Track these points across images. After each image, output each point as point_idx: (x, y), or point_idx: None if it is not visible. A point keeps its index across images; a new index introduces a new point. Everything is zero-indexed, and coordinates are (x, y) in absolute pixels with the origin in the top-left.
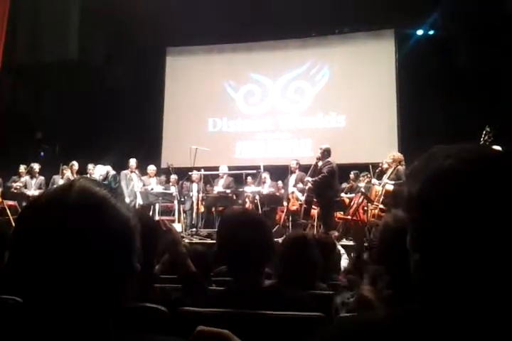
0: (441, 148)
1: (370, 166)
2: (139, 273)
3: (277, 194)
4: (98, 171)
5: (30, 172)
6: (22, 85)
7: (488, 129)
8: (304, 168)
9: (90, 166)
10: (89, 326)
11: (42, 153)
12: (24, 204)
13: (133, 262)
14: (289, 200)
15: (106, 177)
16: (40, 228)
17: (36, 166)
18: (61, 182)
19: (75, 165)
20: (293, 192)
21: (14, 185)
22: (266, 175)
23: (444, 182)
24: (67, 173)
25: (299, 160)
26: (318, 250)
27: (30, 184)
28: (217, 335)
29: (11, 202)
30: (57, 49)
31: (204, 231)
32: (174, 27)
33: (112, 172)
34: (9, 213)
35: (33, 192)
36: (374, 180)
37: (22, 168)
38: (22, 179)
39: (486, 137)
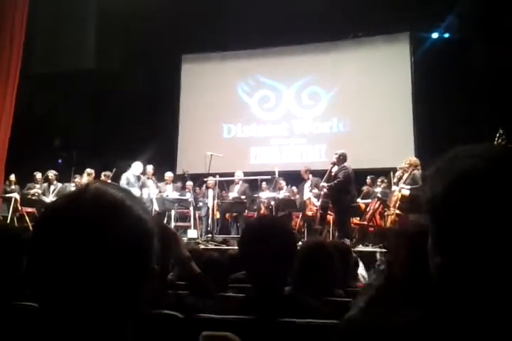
0: (464, 149)
1: (392, 172)
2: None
3: (292, 198)
4: (136, 167)
5: (47, 180)
6: (40, 93)
7: (501, 131)
8: (319, 174)
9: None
10: (108, 331)
11: (60, 161)
12: (42, 210)
13: (150, 264)
14: (306, 206)
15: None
16: (56, 231)
17: (51, 173)
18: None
19: (92, 172)
20: (309, 198)
21: (31, 191)
22: (282, 181)
23: (469, 182)
24: (82, 181)
25: (310, 166)
26: (335, 256)
27: (48, 191)
28: (223, 339)
29: (29, 209)
30: (74, 57)
31: (219, 237)
32: (190, 34)
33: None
34: (28, 220)
35: (51, 198)
36: (394, 187)
37: (38, 175)
38: (38, 186)
39: (500, 140)
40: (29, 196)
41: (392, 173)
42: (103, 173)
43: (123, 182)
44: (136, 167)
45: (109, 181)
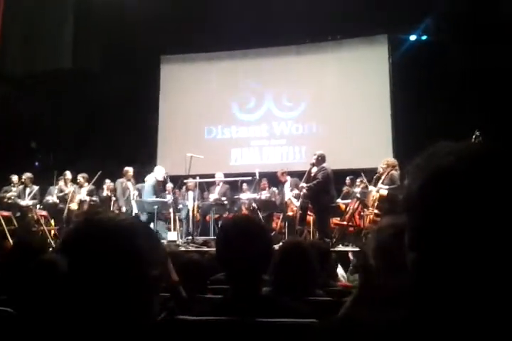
0: (443, 145)
1: (363, 173)
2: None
3: (273, 199)
4: (158, 171)
5: (23, 182)
6: (16, 95)
7: (477, 133)
8: (299, 175)
9: (79, 177)
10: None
11: (36, 163)
12: (18, 214)
13: (151, 278)
14: (287, 206)
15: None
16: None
17: (25, 176)
18: (56, 192)
19: (68, 174)
20: (289, 199)
21: (7, 195)
22: (265, 182)
23: (444, 180)
24: (61, 183)
25: (290, 167)
26: (315, 256)
27: (23, 194)
28: None
29: (5, 213)
30: (52, 58)
31: (200, 239)
32: (169, 35)
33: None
34: (3, 223)
35: (26, 202)
36: (371, 187)
37: (14, 178)
38: (14, 189)
39: (476, 141)
40: (5, 199)
41: (363, 174)
42: (80, 175)
43: (149, 190)
44: (160, 171)
45: (88, 183)
